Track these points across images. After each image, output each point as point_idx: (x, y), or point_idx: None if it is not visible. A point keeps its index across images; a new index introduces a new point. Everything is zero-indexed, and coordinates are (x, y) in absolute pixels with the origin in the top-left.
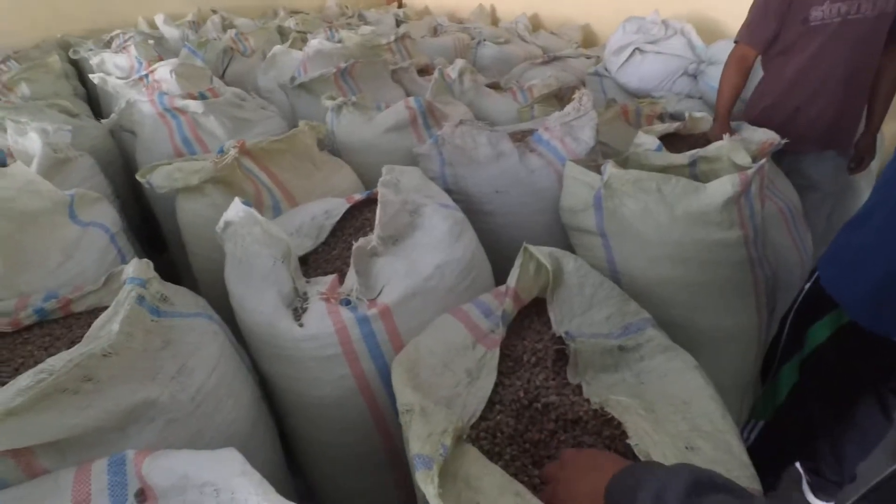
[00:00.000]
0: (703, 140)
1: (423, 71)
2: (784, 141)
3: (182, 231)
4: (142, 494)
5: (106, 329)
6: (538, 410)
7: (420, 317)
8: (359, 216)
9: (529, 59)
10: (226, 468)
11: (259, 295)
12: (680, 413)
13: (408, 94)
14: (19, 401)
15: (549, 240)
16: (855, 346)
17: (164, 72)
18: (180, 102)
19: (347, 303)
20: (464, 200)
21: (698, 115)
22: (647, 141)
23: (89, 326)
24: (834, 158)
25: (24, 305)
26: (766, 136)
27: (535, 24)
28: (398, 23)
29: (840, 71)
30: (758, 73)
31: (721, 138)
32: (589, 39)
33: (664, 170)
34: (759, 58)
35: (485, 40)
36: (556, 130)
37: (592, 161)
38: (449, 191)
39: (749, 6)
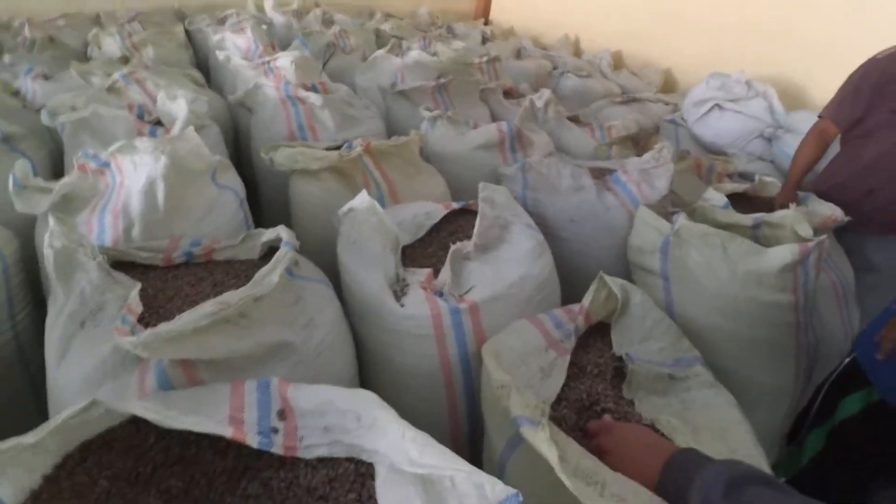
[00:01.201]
0: (769, 204)
1: (507, 93)
2: (847, 219)
3: (292, 205)
4: (282, 413)
5: (267, 279)
6: (596, 413)
7: (501, 318)
8: (453, 222)
9: (608, 97)
10: (366, 401)
11: (369, 273)
12: (720, 439)
13: (493, 114)
14: (204, 322)
15: (612, 272)
16: (882, 423)
17: (285, 61)
18: (303, 93)
19: (440, 294)
20: (540, 224)
21: (768, 179)
22: (715, 197)
23: (227, 273)
24: None
25: (176, 246)
26: (830, 212)
27: (617, 62)
28: (484, 39)
29: None
30: (834, 149)
31: (786, 205)
32: (668, 84)
33: (728, 227)
34: (839, 136)
35: (568, 72)
36: (634, 175)
37: (663, 208)
38: (528, 213)
39: (840, 84)
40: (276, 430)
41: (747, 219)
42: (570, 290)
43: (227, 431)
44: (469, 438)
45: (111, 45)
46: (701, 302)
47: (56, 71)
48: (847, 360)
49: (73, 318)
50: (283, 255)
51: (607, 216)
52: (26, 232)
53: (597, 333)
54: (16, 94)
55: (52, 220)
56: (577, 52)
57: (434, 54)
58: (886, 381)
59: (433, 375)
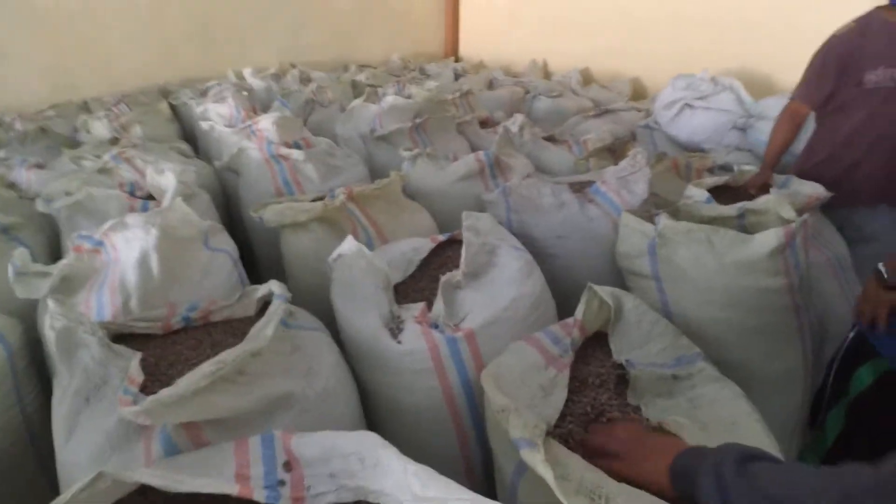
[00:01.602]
0: (751, 192)
1: (484, 123)
2: (830, 195)
3: (285, 259)
4: (287, 465)
5: (262, 334)
6: (603, 424)
7: (498, 342)
8: (441, 254)
9: (582, 112)
10: (368, 441)
11: (364, 315)
12: (729, 432)
13: (471, 145)
14: (203, 383)
15: (605, 281)
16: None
17: (266, 123)
18: (285, 150)
19: (436, 326)
20: (528, 244)
21: (747, 168)
22: (696, 193)
23: (225, 333)
24: (890, 212)
25: (174, 313)
26: (812, 191)
27: (587, 78)
28: (457, 76)
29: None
30: (810, 129)
31: (759, 186)
32: (638, 92)
33: (713, 221)
34: (813, 114)
35: (539, 94)
36: (613, 184)
37: (646, 211)
38: (514, 235)
39: (804, 66)
40: (282, 483)
41: (731, 209)
42: (567, 305)
43: (234, 489)
44: (483, 466)
45: (100, 128)
46: (695, 297)
47: (49, 159)
48: (851, 333)
49: (77, 394)
50: (276, 309)
51: (592, 227)
52: (30, 317)
53: (595, 344)
54: (11, 186)
55: (51, 303)
56: (547, 75)
57: (409, 96)
58: (894, 350)
59: (438, 409)
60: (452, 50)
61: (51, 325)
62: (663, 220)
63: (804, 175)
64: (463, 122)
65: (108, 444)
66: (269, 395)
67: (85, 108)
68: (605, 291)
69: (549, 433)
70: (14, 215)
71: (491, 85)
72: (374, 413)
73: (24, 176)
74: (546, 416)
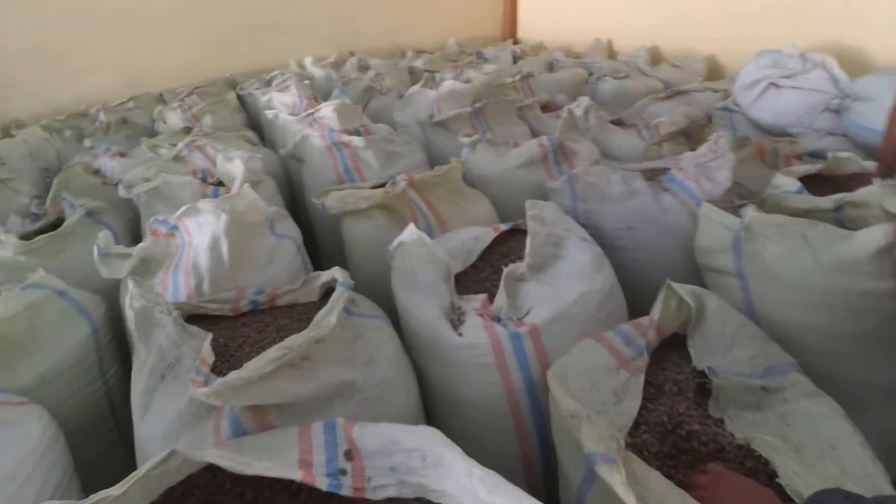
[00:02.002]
0: (848, 183)
1: (545, 107)
2: None
3: (346, 245)
4: (349, 454)
5: (326, 321)
6: (682, 437)
7: (564, 339)
8: (504, 244)
9: (651, 94)
10: (431, 439)
11: (424, 305)
12: (828, 457)
13: (532, 130)
14: (270, 368)
15: (681, 277)
16: None
17: (327, 110)
18: (346, 138)
19: (498, 319)
20: (596, 235)
21: (843, 155)
22: (786, 182)
23: (290, 317)
24: None
25: (242, 296)
26: None
27: (656, 57)
28: (515, 59)
29: None
30: None
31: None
32: (714, 72)
33: (806, 214)
34: None
35: (604, 76)
36: (691, 171)
37: (728, 202)
38: (581, 225)
39: None
40: (344, 472)
41: (827, 201)
42: (638, 302)
43: (297, 475)
44: (543, 470)
45: (174, 118)
46: (787, 299)
47: (130, 148)
48: None
49: (153, 372)
50: (339, 296)
51: (667, 218)
52: (113, 295)
53: (672, 347)
54: (96, 172)
55: (130, 283)
56: (612, 55)
57: (467, 81)
58: None
59: (498, 405)
60: (511, 32)
61: (130, 305)
62: (751, 212)
63: None
64: (524, 106)
65: (180, 422)
66: (331, 383)
67: (161, 99)
68: (686, 290)
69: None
70: (99, 200)
71: (552, 67)
72: (432, 405)
73: (108, 164)
74: (619, 424)
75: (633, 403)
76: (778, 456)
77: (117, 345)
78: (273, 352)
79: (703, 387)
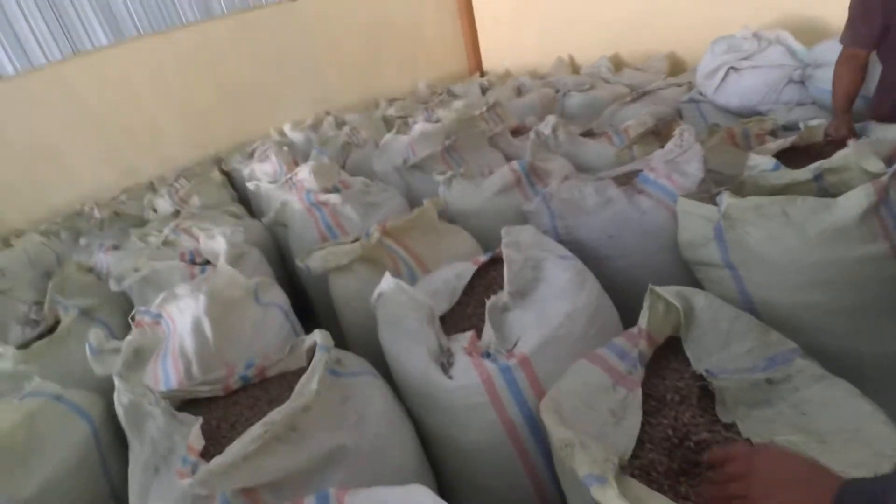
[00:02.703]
0: (826, 150)
1: (516, 132)
2: None
3: (335, 302)
4: None
5: (307, 388)
6: (690, 449)
7: (556, 363)
8: (486, 275)
9: (618, 100)
10: (418, 499)
11: (411, 352)
12: (857, 442)
13: (506, 156)
14: (253, 447)
15: (671, 277)
16: None
17: (304, 173)
18: (323, 197)
19: (488, 355)
20: (578, 249)
21: (814, 122)
22: (761, 161)
23: (280, 388)
24: None
25: (232, 373)
26: None
27: (618, 64)
28: (483, 90)
29: None
30: (876, 72)
31: (842, 132)
32: (677, 67)
33: (786, 189)
34: (876, 54)
35: (570, 90)
36: (662, 169)
37: (706, 192)
38: (562, 242)
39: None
40: None
41: (805, 172)
42: (634, 309)
43: None
44: (560, 498)
45: (163, 204)
46: (780, 282)
47: (124, 240)
48: None
49: (147, 466)
50: (319, 360)
51: (646, 220)
52: (112, 392)
53: (668, 354)
54: (90, 270)
55: (116, 380)
56: (576, 69)
57: (437, 121)
58: None
59: (500, 444)
60: (476, 66)
61: (119, 401)
62: (726, 199)
63: (883, 119)
64: (494, 134)
65: None
66: (321, 451)
67: (151, 187)
68: (670, 292)
69: (626, 465)
70: (95, 297)
71: (519, 92)
72: (434, 452)
73: (102, 259)
74: (620, 446)
75: (633, 422)
76: (804, 451)
77: (121, 441)
78: (256, 429)
79: (706, 390)
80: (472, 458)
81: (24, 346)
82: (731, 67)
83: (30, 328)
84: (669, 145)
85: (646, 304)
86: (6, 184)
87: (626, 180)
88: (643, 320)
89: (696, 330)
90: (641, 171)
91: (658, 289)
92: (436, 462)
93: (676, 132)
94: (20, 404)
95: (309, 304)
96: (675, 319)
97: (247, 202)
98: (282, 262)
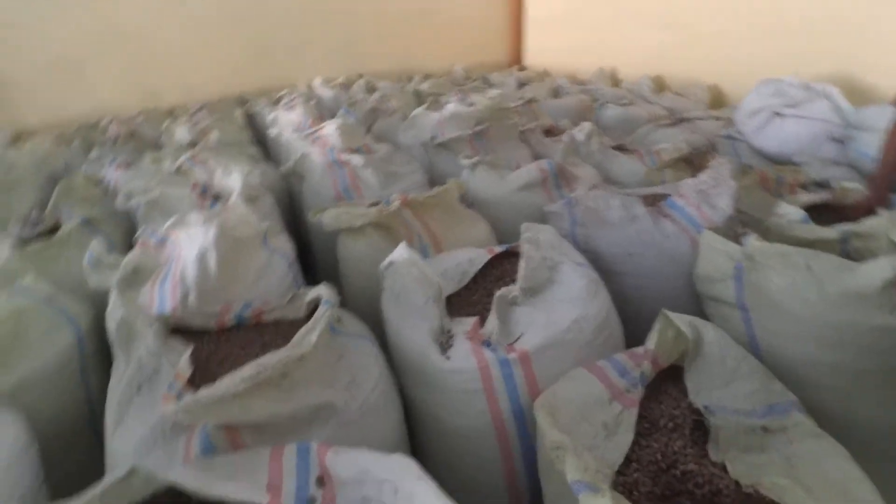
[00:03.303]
0: (855, 213)
1: (549, 132)
2: None
3: (341, 263)
4: (320, 480)
5: (306, 339)
6: (676, 477)
7: (556, 367)
8: (498, 267)
9: (654, 121)
10: (404, 471)
11: (413, 326)
12: (842, 498)
13: (534, 154)
14: (243, 386)
15: (681, 305)
16: None
17: (330, 129)
18: (346, 156)
19: (488, 344)
20: (594, 260)
21: (849, 185)
22: (790, 211)
23: (275, 334)
24: None
25: (228, 311)
26: None
27: (659, 86)
28: (520, 84)
29: None
30: None
31: (874, 208)
32: (717, 101)
33: (811, 244)
34: None
35: (607, 102)
36: (692, 197)
37: (730, 229)
38: (579, 250)
39: None
40: (313, 500)
41: (832, 232)
42: (638, 330)
43: (264, 500)
44: (531, 501)
45: (181, 133)
46: (791, 332)
47: (136, 161)
48: None
49: (130, 383)
50: (322, 314)
51: (667, 245)
52: (104, 305)
53: (668, 380)
54: (98, 183)
55: (113, 293)
56: (616, 83)
57: (471, 105)
58: None
59: (485, 435)
60: (516, 59)
61: (111, 314)
62: (753, 241)
63: None
64: (527, 129)
65: (151, 437)
66: (309, 404)
67: (171, 114)
68: (683, 320)
69: (612, 480)
70: (99, 210)
71: (556, 93)
72: (417, 430)
73: (112, 174)
74: (609, 460)
75: (625, 438)
76: (789, 495)
77: (103, 355)
78: (248, 369)
79: (699, 423)
80: (453, 442)
81: (21, 244)
82: (775, 112)
83: (29, 228)
84: (703, 176)
85: (656, 327)
86: (25, 86)
87: (653, 201)
88: (651, 342)
89: (701, 362)
90: (670, 195)
91: (670, 314)
92: (416, 440)
93: (713, 164)
94: (9, 300)
95: (311, 260)
96: (682, 347)
97: (264, 147)
98: (290, 214)
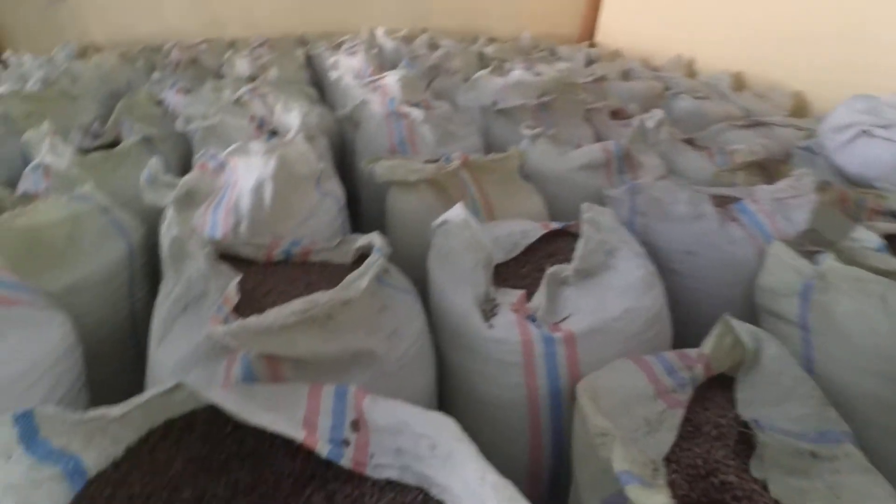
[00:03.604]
0: None
1: (615, 114)
2: None
3: (388, 216)
4: (355, 424)
5: (356, 283)
6: (714, 486)
7: (600, 353)
8: (551, 244)
9: (729, 120)
10: (444, 429)
11: (458, 289)
12: None
13: (597, 135)
14: (292, 319)
15: (734, 314)
16: None
17: (391, 79)
18: (406, 108)
19: (533, 319)
20: (651, 255)
21: None
22: (867, 238)
23: (320, 275)
24: None
25: (277, 245)
26: None
27: (738, 84)
28: (589, 61)
29: None
30: None
31: None
32: (800, 109)
33: (885, 275)
34: None
35: (681, 92)
36: (766, 205)
37: (800, 245)
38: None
39: None
40: (347, 443)
41: None
42: (684, 333)
43: (300, 435)
44: (550, 483)
45: (242, 65)
46: (852, 362)
47: (195, 87)
48: None
49: (178, 301)
50: (374, 261)
51: (731, 249)
52: (154, 223)
53: (716, 387)
54: (159, 103)
55: (170, 211)
56: (692, 74)
57: (537, 74)
58: None
59: (518, 409)
60: (588, 34)
61: (166, 232)
62: (830, 261)
63: None
64: (592, 108)
65: (194, 355)
66: (351, 348)
67: (232, 45)
68: (744, 329)
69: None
70: (155, 128)
71: (627, 76)
72: (447, 395)
73: (172, 98)
74: (650, 455)
75: (666, 437)
76: None
77: (149, 271)
78: (298, 304)
79: (744, 437)
80: (484, 410)
81: (81, 153)
82: (864, 130)
83: (90, 139)
84: (782, 184)
85: (714, 332)
86: (98, 2)
87: (721, 203)
88: (707, 346)
89: (756, 376)
90: (741, 199)
91: (733, 321)
92: (445, 404)
93: (796, 174)
94: (68, 204)
95: (355, 210)
96: (738, 357)
97: (321, 90)
98: (341, 160)
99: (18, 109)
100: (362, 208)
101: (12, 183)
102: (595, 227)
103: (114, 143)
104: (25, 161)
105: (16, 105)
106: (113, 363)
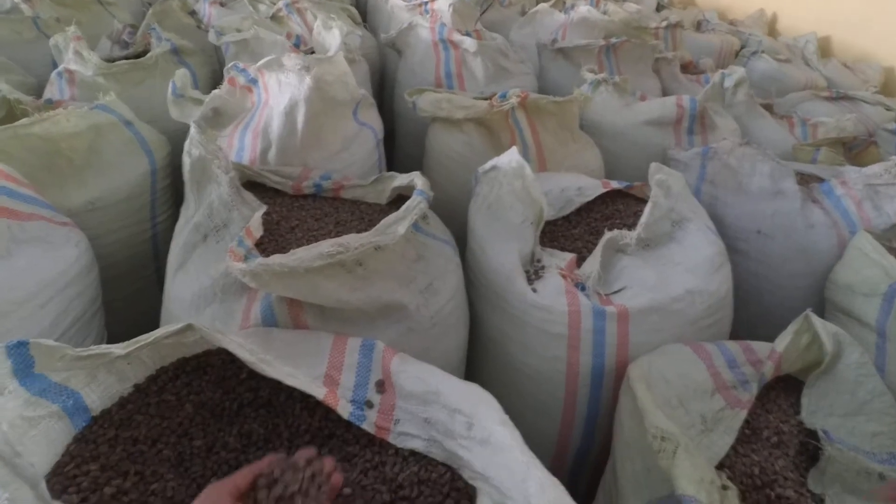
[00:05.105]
0: None
1: (685, 67)
2: None
3: (427, 155)
4: (381, 385)
5: (393, 228)
6: (769, 499)
7: (654, 336)
8: (609, 205)
9: (811, 89)
10: (483, 407)
11: (502, 245)
12: None
13: (664, 88)
14: (318, 263)
15: (798, 308)
16: None
17: (443, 4)
18: (457, 37)
19: (582, 288)
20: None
21: None
22: None
23: (351, 214)
24: None
25: (307, 177)
26: None
27: (825, 50)
28: (659, 7)
29: None
30: None
31: None
32: (891, 86)
33: None
34: None
35: (761, 52)
36: (855, 190)
37: (888, 241)
38: None
39: None
40: (371, 405)
41: None
42: (741, 322)
43: (320, 392)
44: (575, 461)
45: None
46: None
47: (231, 1)
48: None
49: (198, 228)
50: (415, 205)
51: (808, 235)
52: (181, 140)
53: (780, 388)
54: (192, 14)
55: (193, 129)
56: (772, 33)
57: (604, 13)
58: None
59: (555, 383)
60: None
61: (189, 151)
62: None
63: None
64: (662, 58)
65: (211, 290)
66: (381, 299)
67: None
68: (827, 329)
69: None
70: (187, 40)
71: (699, 27)
72: (477, 358)
73: (207, 9)
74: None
75: (724, 440)
76: None
77: (174, 191)
78: (326, 246)
79: (806, 447)
80: (517, 379)
81: (108, 61)
82: None
83: (119, 47)
84: (877, 168)
85: (791, 328)
86: None
87: (803, 182)
88: (781, 344)
89: (830, 382)
90: (826, 180)
91: (816, 318)
92: (473, 367)
93: (893, 158)
94: (90, 113)
95: (392, 145)
96: (813, 359)
97: (364, 12)
98: (380, 89)
99: (49, 13)
100: (397, 144)
101: (43, 90)
102: (665, 191)
103: (143, 53)
104: (55, 67)
105: (47, 8)
106: (132, 287)
